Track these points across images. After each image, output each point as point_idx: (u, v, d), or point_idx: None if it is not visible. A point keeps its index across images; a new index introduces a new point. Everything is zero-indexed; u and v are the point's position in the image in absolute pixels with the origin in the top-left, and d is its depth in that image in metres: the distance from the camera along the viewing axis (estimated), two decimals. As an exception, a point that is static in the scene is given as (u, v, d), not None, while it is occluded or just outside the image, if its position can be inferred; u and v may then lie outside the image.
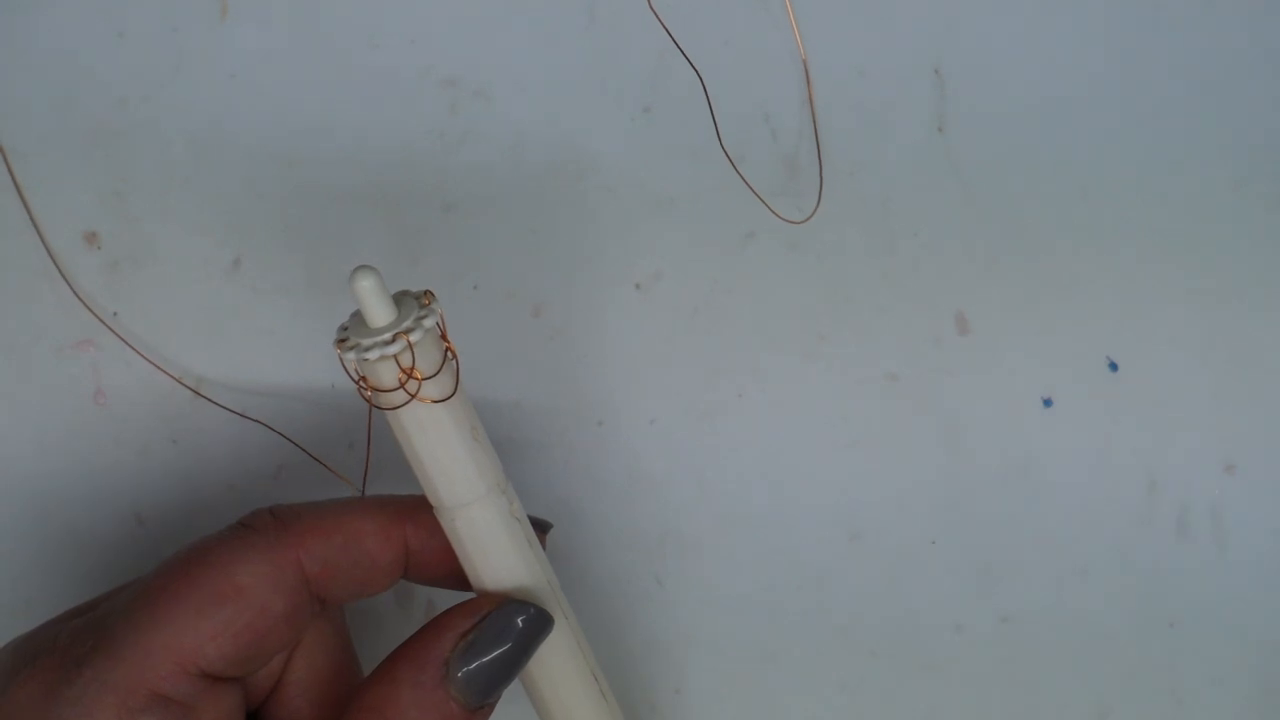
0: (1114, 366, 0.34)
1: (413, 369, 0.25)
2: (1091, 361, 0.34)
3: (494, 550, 0.27)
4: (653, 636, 0.34)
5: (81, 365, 0.34)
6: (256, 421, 0.33)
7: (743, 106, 0.34)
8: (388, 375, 0.25)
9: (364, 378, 0.26)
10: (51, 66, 0.33)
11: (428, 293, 0.26)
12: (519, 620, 0.26)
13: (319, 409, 0.34)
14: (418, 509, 0.27)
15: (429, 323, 0.25)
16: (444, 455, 0.26)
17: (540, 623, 0.27)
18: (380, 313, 0.25)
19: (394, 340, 0.25)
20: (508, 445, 0.34)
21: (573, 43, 0.34)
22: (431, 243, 0.34)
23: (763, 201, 0.32)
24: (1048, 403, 0.34)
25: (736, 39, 0.34)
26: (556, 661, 0.28)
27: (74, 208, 0.34)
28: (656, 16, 0.32)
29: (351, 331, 0.25)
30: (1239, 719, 0.34)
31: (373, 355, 0.25)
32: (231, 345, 0.34)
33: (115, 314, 0.34)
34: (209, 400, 0.34)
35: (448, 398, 0.26)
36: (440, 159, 0.34)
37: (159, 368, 0.33)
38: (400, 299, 0.26)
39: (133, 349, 0.33)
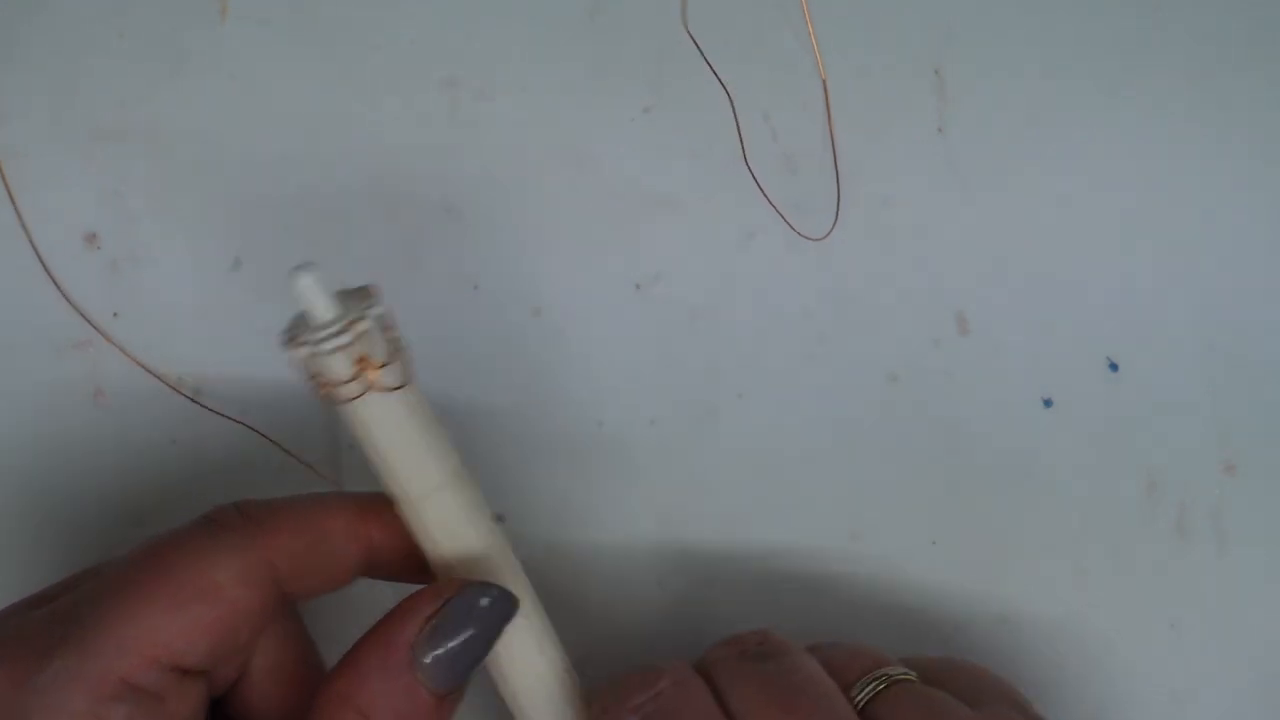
0: (1114, 367, 0.34)
1: (365, 358, 0.25)
2: (1091, 361, 0.34)
3: (459, 539, 0.27)
4: (653, 638, 0.34)
5: (81, 365, 0.34)
6: (250, 428, 0.33)
7: (742, 105, 0.34)
8: (342, 367, 0.25)
9: (317, 374, 0.26)
10: (51, 66, 0.33)
11: (369, 286, 0.26)
12: (483, 602, 0.26)
13: (319, 409, 0.34)
14: (380, 505, 0.27)
15: (376, 311, 0.25)
16: (403, 444, 0.26)
17: (505, 603, 0.27)
18: (326, 307, 0.25)
19: (345, 330, 0.25)
20: (507, 446, 0.34)
21: (573, 43, 0.34)
22: (431, 243, 0.34)
23: (783, 218, 0.32)
24: (1048, 403, 0.34)
25: (735, 38, 0.34)
26: (519, 649, 0.28)
27: (74, 208, 0.34)
28: (691, 36, 0.32)
29: (298, 332, 0.26)
30: (1239, 719, 0.34)
31: (326, 347, 0.25)
32: (231, 346, 0.34)
33: (115, 314, 0.34)
34: (205, 406, 0.33)
35: (402, 386, 0.26)
36: (440, 159, 0.34)
37: (153, 373, 0.33)
38: (342, 296, 0.26)
39: (129, 355, 0.33)
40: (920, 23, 0.34)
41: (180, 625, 0.25)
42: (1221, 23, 0.34)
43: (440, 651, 0.26)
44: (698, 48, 0.32)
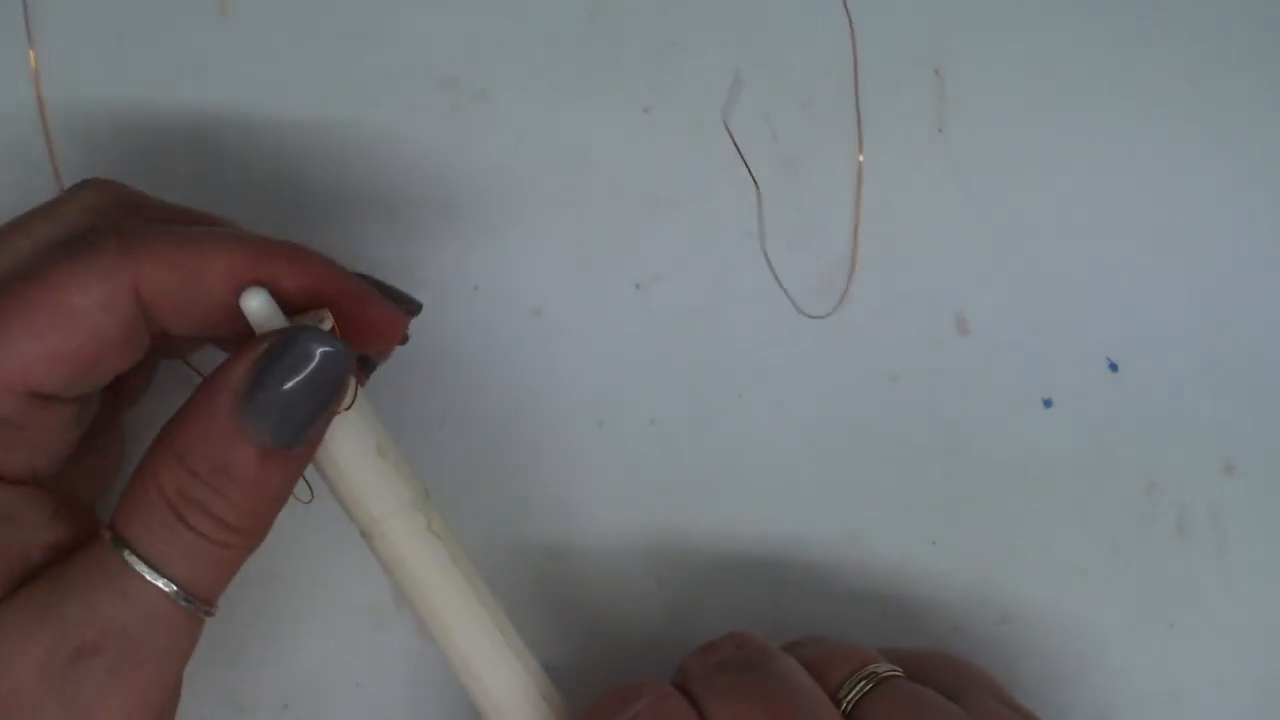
0: (1114, 367, 0.34)
1: None
2: (1091, 361, 0.34)
3: (414, 568, 0.26)
4: (653, 637, 0.34)
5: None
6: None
7: (742, 105, 0.34)
8: None
9: None
10: (51, 67, 0.33)
11: (321, 311, 0.26)
12: (316, 349, 0.24)
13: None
14: (281, 250, 0.26)
15: None
16: (347, 470, 0.26)
17: (340, 358, 0.24)
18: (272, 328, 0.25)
19: None
20: (508, 446, 0.34)
21: (573, 43, 0.34)
22: (431, 243, 0.34)
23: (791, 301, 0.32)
24: (1048, 403, 0.34)
25: (735, 38, 0.34)
26: (495, 673, 0.27)
27: (74, 208, 0.34)
28: (729, 134, 0.32)
29: None
30: (1239, 719, 0.34)
31: None
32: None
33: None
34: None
35: (343, 410, 0.25)
36: (440, 159, 0.34)
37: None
38: (300, 319, 0.26)
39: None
40: (920, 23, 0.34)
41: (36, 350, 0.24)
42: (1221, 23, 0.34)
43: (264, 396, 0.24)
44: (733, 141, 0.32)
